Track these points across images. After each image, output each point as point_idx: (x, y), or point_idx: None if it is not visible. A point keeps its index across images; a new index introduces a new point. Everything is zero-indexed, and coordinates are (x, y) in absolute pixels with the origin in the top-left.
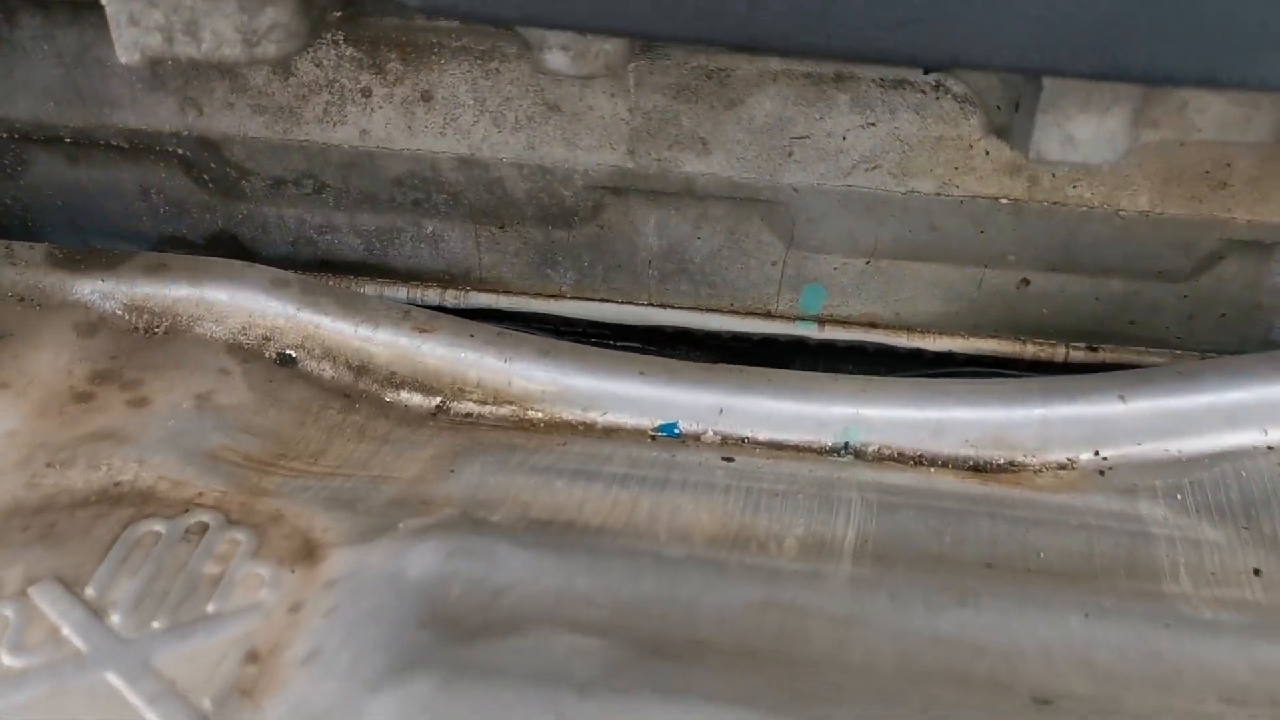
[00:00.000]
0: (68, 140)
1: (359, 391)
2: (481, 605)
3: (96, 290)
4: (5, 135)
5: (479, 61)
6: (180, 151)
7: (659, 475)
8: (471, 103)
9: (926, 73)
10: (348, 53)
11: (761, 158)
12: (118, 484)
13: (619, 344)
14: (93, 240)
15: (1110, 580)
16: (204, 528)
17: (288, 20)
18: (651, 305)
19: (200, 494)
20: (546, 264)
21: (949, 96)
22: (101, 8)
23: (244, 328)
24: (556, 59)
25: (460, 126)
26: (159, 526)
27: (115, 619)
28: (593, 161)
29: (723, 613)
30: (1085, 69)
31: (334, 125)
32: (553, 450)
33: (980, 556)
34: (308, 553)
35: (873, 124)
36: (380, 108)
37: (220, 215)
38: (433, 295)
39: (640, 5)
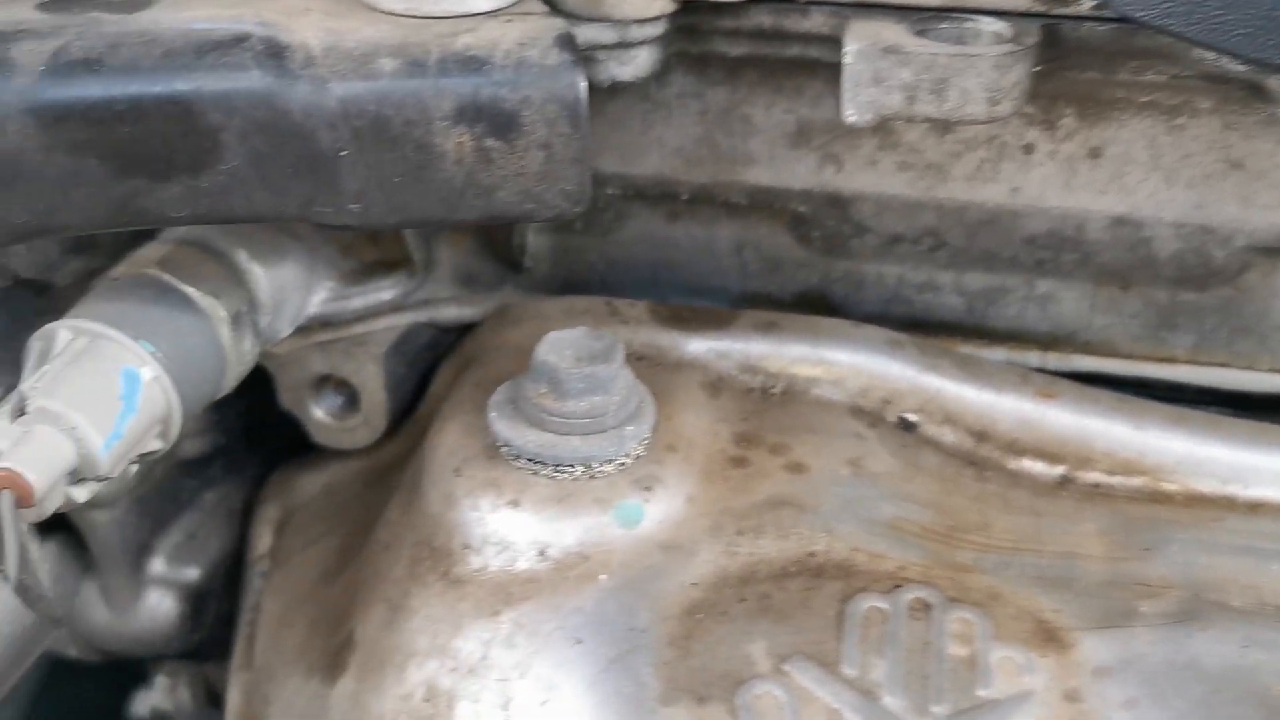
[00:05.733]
0: (684, 198)
1: (982, 459)
2: None
3: (712, 349)
4: (616, 193)
5: (1164, 117)
6: (799, 209)
7: None
8: (1145, 160)
9: None
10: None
11: None
12: (811, 554)
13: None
14: (667, 297)
15: None
16: (926, 605)
17: (1025, 78)
18: (1275, 371)
19: (902, 567)
20: (1164, 326)
21: None
22: (757, 65)
23: (864, 390)
24: None
25: (1125, 185)
26: (879, 602)
27: (888, 701)
28: (1266, 221)
29: None
30: None
31: (984, 183)
32: (1214, 527)
33: None
34: (1047, 636)
35: None
36: (1040, 165)
37: (815, 272)
38: (1032, 358)
39: None
